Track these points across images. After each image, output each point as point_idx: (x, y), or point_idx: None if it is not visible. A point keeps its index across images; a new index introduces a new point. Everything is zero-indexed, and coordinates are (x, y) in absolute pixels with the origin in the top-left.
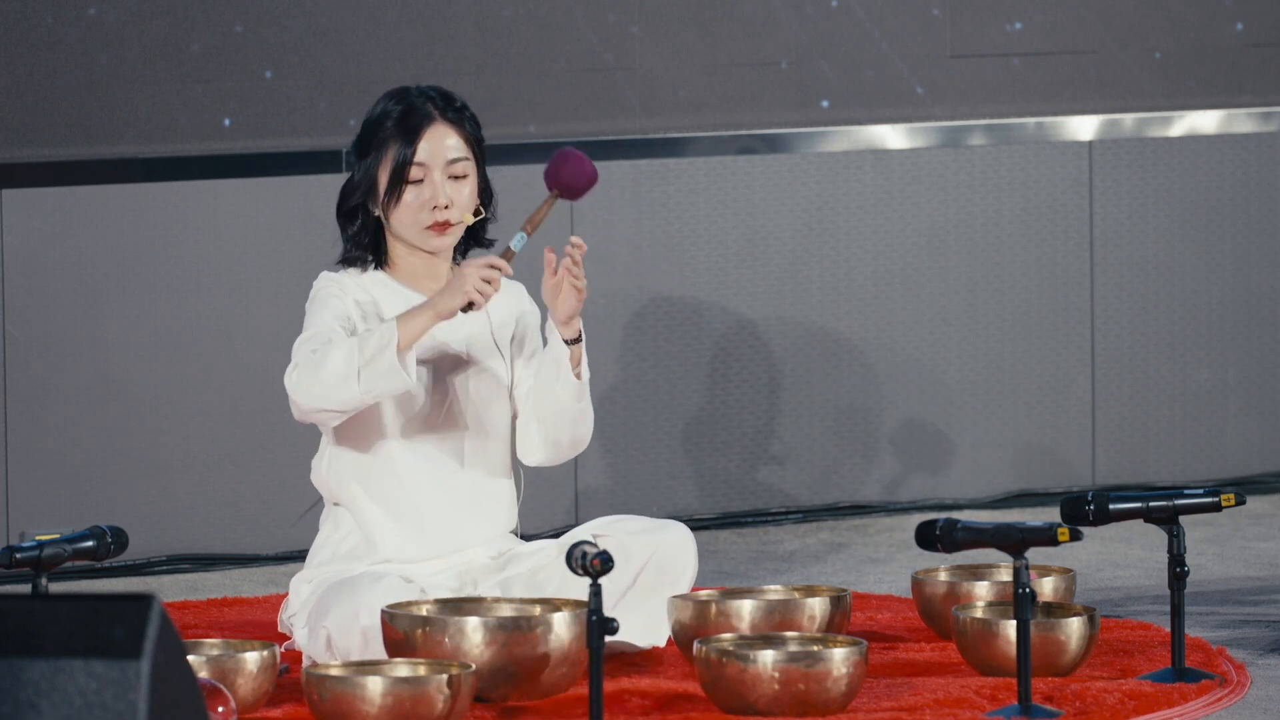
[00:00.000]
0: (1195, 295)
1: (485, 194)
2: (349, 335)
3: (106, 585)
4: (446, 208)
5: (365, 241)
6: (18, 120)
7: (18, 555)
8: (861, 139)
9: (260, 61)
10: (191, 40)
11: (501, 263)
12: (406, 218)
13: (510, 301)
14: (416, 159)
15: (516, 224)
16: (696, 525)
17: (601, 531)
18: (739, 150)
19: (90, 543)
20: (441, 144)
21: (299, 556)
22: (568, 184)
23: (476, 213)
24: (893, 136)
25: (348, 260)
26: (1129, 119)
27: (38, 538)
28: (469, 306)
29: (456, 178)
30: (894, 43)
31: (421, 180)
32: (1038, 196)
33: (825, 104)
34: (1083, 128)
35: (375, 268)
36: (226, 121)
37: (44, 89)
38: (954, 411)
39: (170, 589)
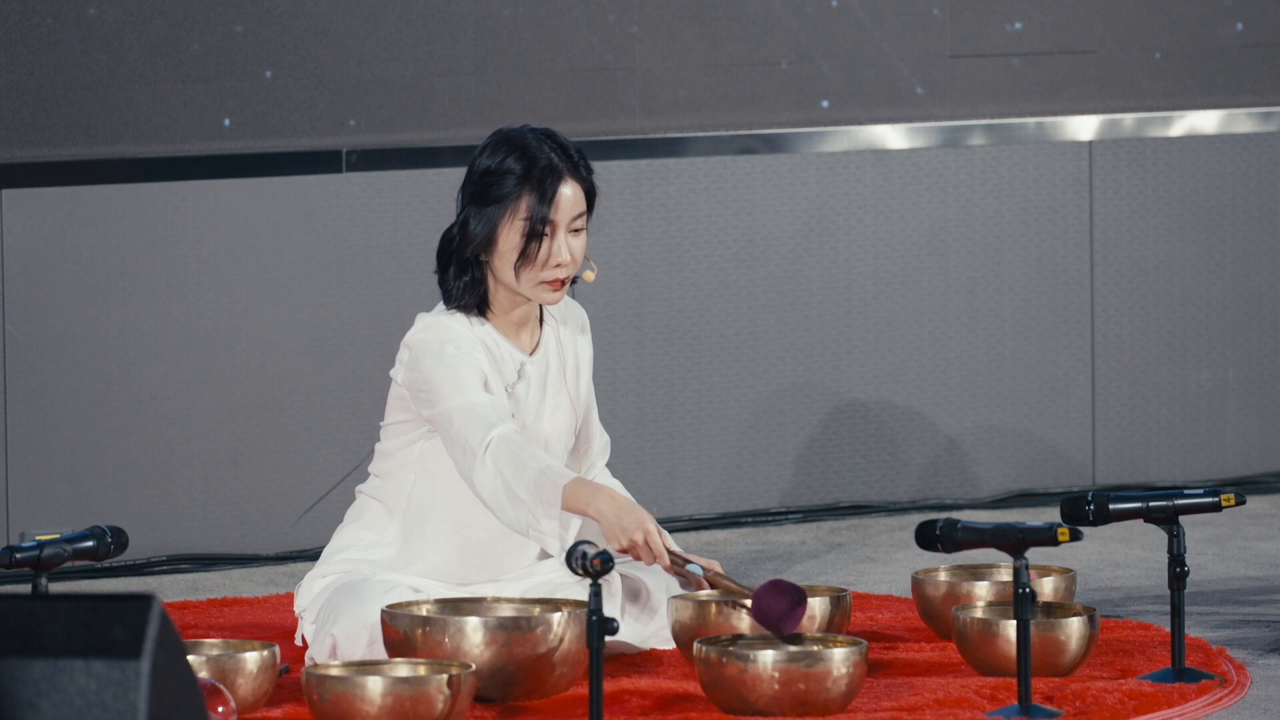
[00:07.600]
0: (1195, 295)
1: None
2: (486, 389)
3: (106, 585)
4: (568, 265)
5: (481, 292)
6: (18, 120)
7: (18, 555)
8: (861, 139)
9: (260, 61)
10: (191, 40)
11: (667, 562)
12: (527, 273)
13: (583, 343)
14: (551, 217)
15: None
16: (697, 525)
17: (628, 573)
18: (739, 150)
19: (90, 543)
20: (568, 200)
21: (299, 556)
22: (761, 614)
23: (591, 268)
24: (893, 136)
25: (458, 308)
26: (1129, 119)
27: (38, 538)
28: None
29: (575, 231)
30: (894, 43)
31: (549, 236)
32: (1038, 196)
33: (825, 104)
34: (1083, 128)
35: (479, 315)
36: (226, 121)
37: (44, 89)
38: (954, 412)
39: (170, 589)
